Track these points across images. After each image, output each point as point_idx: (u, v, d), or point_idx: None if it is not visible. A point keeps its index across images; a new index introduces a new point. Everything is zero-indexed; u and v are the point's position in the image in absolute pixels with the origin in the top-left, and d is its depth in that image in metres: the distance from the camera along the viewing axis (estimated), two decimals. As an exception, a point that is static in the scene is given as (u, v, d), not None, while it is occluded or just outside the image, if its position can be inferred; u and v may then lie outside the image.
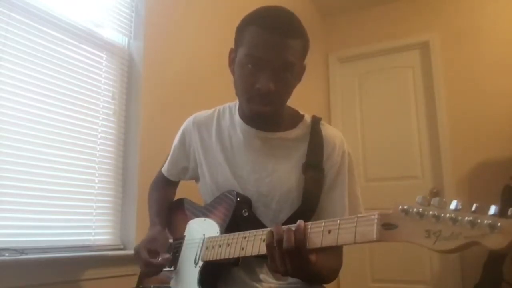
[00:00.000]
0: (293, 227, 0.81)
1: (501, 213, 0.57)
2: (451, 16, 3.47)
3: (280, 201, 1.05)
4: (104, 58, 1.74)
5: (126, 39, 1.88)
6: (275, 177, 1.06)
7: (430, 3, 3.54)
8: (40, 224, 1.42)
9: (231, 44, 1.09)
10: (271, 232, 0.82)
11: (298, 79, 1.07)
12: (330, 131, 1.12)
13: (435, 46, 3.48)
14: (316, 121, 1.13)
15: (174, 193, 1.35)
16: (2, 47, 1.35)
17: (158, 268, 1.06)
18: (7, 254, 1.23)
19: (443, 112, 3.36)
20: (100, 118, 1.69)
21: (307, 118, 1.14)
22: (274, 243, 0.81)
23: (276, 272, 0.87)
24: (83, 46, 1.65)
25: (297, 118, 1.14)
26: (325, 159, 1.07)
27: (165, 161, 1.31)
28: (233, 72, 1.08)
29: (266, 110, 1.01)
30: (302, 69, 1.08)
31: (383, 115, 3.62)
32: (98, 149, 1.66)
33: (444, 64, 3.43)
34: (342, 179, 1.07)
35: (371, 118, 3.69)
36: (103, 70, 1.73)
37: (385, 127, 3.59)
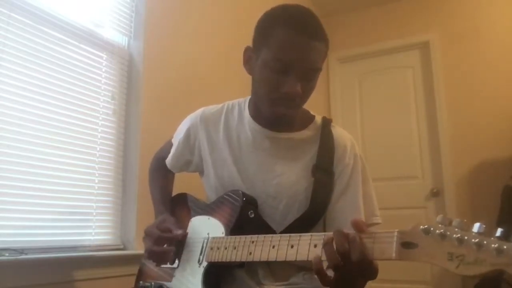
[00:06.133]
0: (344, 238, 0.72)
1: None
2: (451, 16, 3.47)
3: (288, 204, 1.02)
4: (104, 58, 1.74)
5: (126, 39, 1.88)
6: (283, 179, 1.04)
7: (430, 3, 3.54)
8: (40, 224, 1.42)
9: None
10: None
11: None
12: (341, 134, 1.09)
13: (435, 46, 3.48)
14: (326, 122, 1.10)
15: (173, 178, 1.33)
16: (2, 47, 1.35)
17: (169, 246, 1.02)
18: (7, 254, 1.23)
19: (443, 112, 3.37)
20: (100, 118, 1.69)
21: (318, 119, 1.12)
22: (339, 260, 0.71)
23: None
24: (83, 46, 1.65)
25: (308, 118, 1.11)
26: (335, 162, 1.04)
27: (166, 144, 1.28)
28: (250, 71, 1.04)
29: (290, 112, 1.00)
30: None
31: (383, 115, 3.62)
32: (98, 149, 1.66)
33: (444, 64, 3.43)
34: (355, 182, 1.05)
35: (371, 118, 3.69)
36: (103, 70, 1.73)
37: (385, 127, 3.59)
